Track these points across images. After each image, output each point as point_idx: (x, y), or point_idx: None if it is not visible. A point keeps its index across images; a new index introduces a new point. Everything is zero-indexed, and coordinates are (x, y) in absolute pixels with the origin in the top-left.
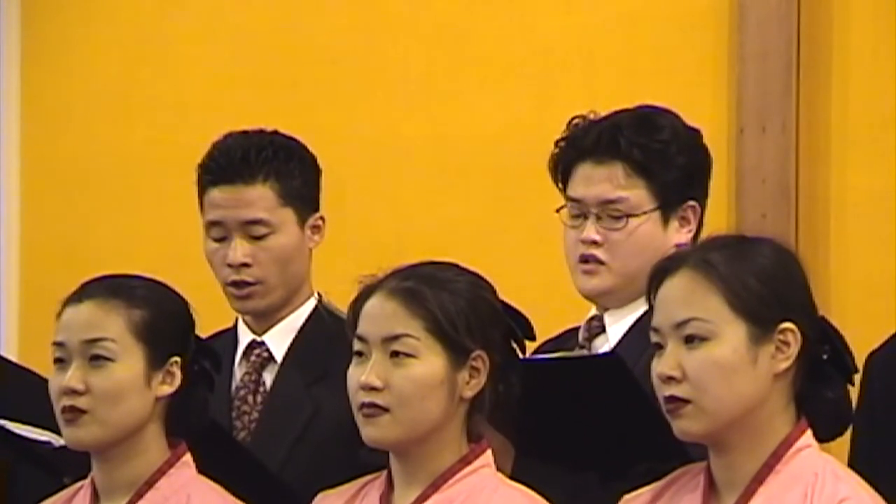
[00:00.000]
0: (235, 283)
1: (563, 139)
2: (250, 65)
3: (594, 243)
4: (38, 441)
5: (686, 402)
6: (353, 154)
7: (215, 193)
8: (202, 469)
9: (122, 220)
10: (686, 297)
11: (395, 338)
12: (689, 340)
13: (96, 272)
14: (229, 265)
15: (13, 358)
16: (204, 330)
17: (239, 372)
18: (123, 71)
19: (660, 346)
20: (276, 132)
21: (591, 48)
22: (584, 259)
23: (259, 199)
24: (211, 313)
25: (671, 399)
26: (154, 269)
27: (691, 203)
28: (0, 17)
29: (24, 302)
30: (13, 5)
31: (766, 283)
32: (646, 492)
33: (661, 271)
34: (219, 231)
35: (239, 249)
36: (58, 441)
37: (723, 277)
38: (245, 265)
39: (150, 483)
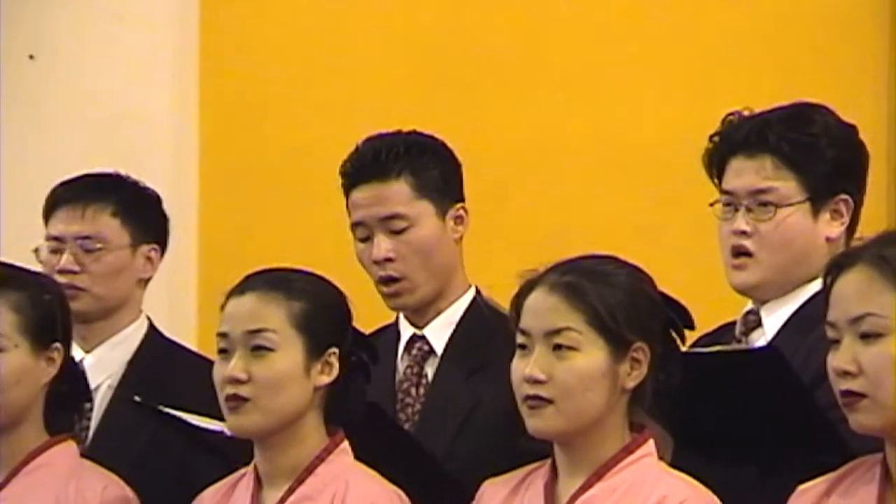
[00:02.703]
0: (383, 281)
1: (716, 134)
2: (418, 67)
3: (744, 234)
4: (210, 430)
5: (862, 396)
6: (516, 152)
7: (355, 195)
8: (361, 456)
9: (295, 216)
10: (862, 292)
11: (558, 331)
12: (865, 336)
13: (270, 266)
14: (375, 262)
15: (193, 347)
16: (364, 323)
17: (402, 365)
18: (297, 72)
19: (835, 341)
20: (412, 132)
21: (750, 47)
22: (735, 252)
23: (395, 194)
24: (372, 307)
25: (847, 393)
26: (324, 264)
27: (843, 196)
28: (181, 21)
29: (202, 294)
30: (193, 9)
31: None
32: (821, 482)
33: (837, 267)
34: (363, 231)
35: (382, 245)
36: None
37: None
38: (389, 260)
39: (309, 469)
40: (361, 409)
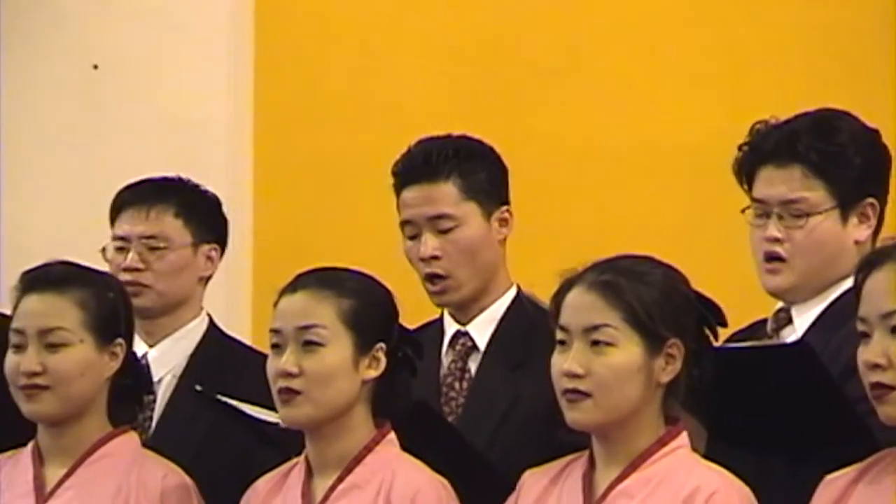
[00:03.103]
0: (429, 278)
1: (745, 144)
2: (463, 75)
3: (776, 241)
4: (267, 422)
5: (891, 388)
6: (557, 157)
7: (405, 194)
8: (406, 447)
9: (345, 218)
10: (892, 289)
11: (595, 328)
12: None
13: (321, 265)
14: (422, 259)
15: (248, 342)
16: (410, 320)
17: (446, 360)
18: (348, 80)
19: (866, 335)
20: (462, 136)
21: (783, 57)
22: (768, 257)
23: (443, 195)
24: (418, 306)
25: (877, 385)
26: (372, 264)
27: (870, 200)
28: (237, 31)
29: (257, 292)
30: (248, 19)
31: None
32: (848, 472)
33: (868, 264)
34: (411, 229)
35: (429, 243)
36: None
37: None
38: (435, 258)
39: (358, 459)
40: (408, 403)
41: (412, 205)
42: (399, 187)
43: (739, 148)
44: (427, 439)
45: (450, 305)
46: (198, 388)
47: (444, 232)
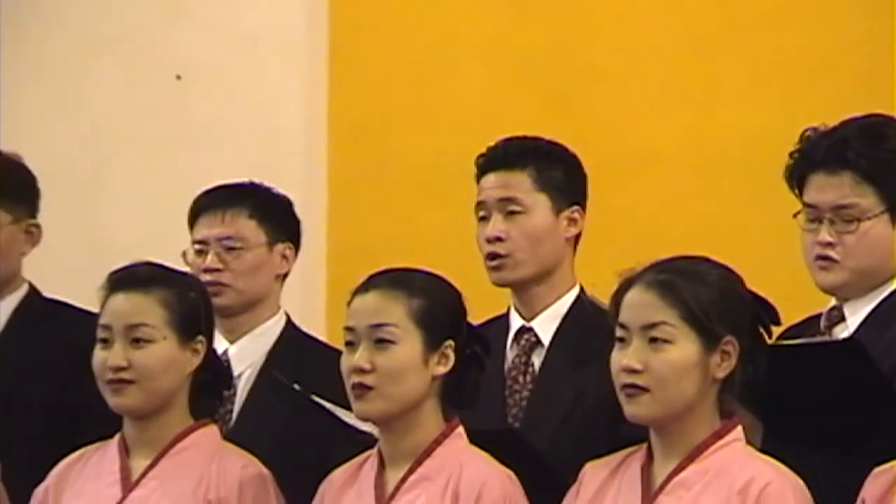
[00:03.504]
0: (490, 256)
1: (796, 151)
2: (525, 83)
3: (829, 244)
4: (357, 429)
5: None
6: (617, 158)
7: (483, 180)
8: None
9: (415, 220)
10: None
11: (654, 325)
12: None
13: (392, 266)
14: (487, 240)
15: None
16: (477, 318)
17: (511, 354)
18: (416, 89)
19: None
20: (548, 139)
21: (832, 63)
22: (821, 258)
23: (517, 182)
24: (486, 304)
25: None
26: (441, 264)
27: None
28: (312, 43)
29: (331, 292)
30: (322, 30)
31: None
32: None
33: None
34: (482, 211)
35: (495, 225)
36: (376, 432)
37: None
38: (499, 239)
39: (428, 452)
40: (476, 397)
41: (486, 188)
42: (479, 175)
43: (790, 155)
44: (512, 462)
45: (504, 283)
46: (296, 386)
47: (511, 215)
